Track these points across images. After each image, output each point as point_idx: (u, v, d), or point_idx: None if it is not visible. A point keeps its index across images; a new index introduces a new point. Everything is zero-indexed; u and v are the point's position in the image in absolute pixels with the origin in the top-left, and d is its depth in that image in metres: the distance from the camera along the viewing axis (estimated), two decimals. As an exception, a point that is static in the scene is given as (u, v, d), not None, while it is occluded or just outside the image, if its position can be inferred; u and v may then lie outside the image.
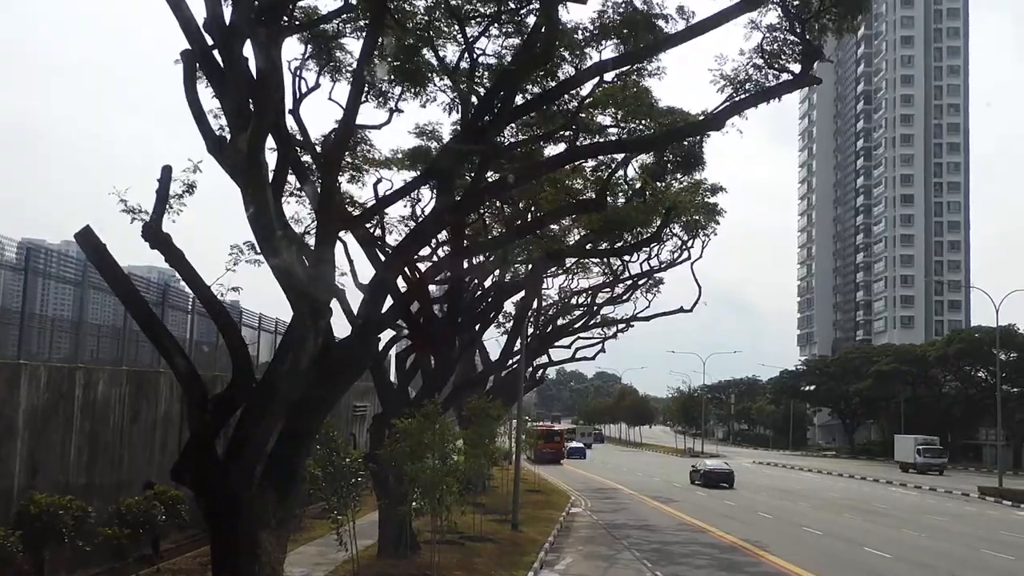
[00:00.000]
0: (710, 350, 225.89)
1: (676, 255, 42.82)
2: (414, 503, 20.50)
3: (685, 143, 28.69)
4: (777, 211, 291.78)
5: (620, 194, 30.64)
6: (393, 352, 32.08)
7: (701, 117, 23.76)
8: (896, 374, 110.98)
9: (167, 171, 12.78)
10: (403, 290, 24.80)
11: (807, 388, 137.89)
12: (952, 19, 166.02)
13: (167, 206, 12.79)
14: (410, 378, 29.61)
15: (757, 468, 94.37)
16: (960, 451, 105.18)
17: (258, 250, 15.68)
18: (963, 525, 42.06)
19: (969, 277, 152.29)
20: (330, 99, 22.80)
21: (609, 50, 20.63)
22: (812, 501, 53.34)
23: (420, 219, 30.00)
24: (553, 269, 40.31)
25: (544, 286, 45.26)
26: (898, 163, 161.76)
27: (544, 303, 49.71)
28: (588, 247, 35.51)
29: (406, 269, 27.14)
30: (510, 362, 43.30)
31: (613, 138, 25.32)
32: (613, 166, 28.93)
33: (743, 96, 18.80)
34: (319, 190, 16.75)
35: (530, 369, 51.26)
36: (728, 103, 18.95)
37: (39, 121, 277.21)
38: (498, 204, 32.36)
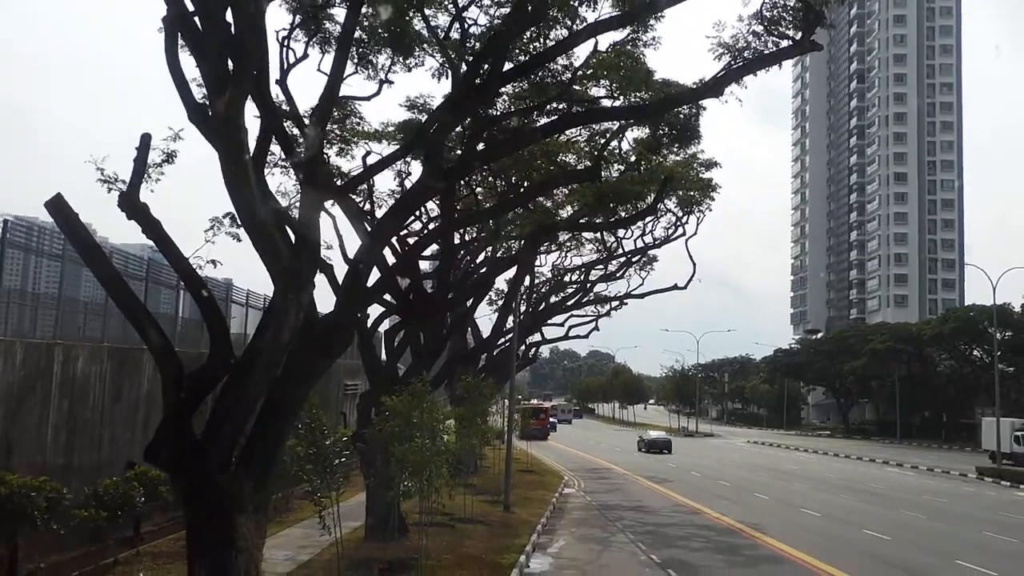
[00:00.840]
0: (704, 329, 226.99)
1: (671, 231, 42.43)
2: (402, 485, 19.88)
3: (681, 115, 28.06)
4: (771, 190, 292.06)
5: (615, 166, 29.94)
6: (382, 329, 31.48)
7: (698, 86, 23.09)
8: (891, 352, 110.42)
9: (146, 139, 12.20)
10: (391, 264, 24.21)
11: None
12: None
13: (145, 175, 12.17)
14: (399, 355, 29.04)
15: (752, 448, 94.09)
16: (955, 430, 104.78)
17: (239, 221, 15.06)
18: (962, 506, 41.77)
19: (963, 255, 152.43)
20: (319, 70, 22.12)
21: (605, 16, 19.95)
22: (809, 482, 53.03)
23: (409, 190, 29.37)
24: (546, 245, 39.75)
25: (537, 263, 44.86)
26: (891, 141, 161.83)
27: (537, 280, 49.31)
28: (582, 221, 34.82)
29: (395, 243, 26.56)
30: (502, 340, 42.82)
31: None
32: (607, 136, 28.34)
33: (742, 63, 18.14)
34: (306, 147, 16.16)
35: (523, 347, 50.82)
36: (727, 70, 18.28)
37: (39, 113, 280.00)
38: (490, 179, 31.73)
